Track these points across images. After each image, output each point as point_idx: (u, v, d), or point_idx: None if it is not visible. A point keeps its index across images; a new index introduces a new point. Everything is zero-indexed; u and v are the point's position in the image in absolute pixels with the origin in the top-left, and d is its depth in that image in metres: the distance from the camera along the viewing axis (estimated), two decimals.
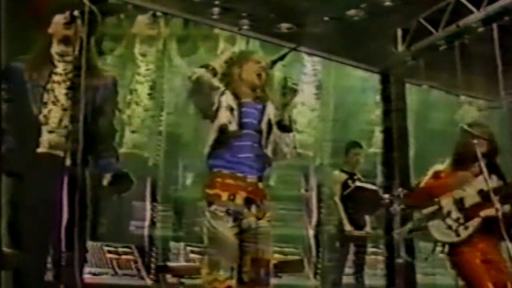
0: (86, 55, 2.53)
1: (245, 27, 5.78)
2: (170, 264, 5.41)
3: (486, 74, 5.79)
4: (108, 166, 2.91)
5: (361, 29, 5.63)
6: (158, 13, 6.09)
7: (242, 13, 5.62)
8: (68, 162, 2.34)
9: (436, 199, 4.00)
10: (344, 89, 7.32)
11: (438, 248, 4.03)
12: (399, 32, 6.08)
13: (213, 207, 3.06)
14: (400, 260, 5.77)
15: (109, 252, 5.26)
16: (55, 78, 2.91)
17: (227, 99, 3.17)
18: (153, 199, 5.95)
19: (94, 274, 5.01)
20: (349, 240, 5.89)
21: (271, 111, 3.26)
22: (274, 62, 3.35)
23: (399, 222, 5.14)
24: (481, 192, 3.89)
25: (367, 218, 5.97)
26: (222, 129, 3.10)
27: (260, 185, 3.17)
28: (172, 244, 5.80)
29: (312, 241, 6.70)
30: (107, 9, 5.41)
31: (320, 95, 7.14)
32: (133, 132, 6.13)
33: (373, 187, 6.10)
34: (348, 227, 5.78)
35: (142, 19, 6.23)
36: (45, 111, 2.85)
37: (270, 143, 3.21)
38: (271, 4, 5.47)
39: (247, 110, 3.19)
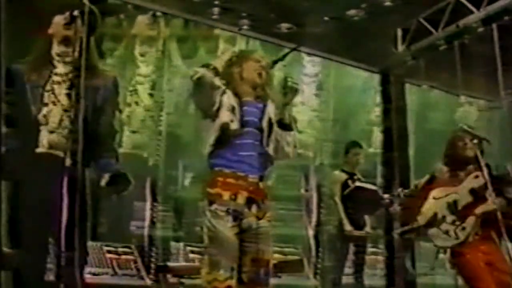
0: (86, 55, 2.53)
1: (245, 27, 5.77)
2: (170, 264, 5.41)
3: (486, 74, 5.79)
4: (107, 166, 2.91)
5: (361, 29, 5.63)
6: (158, 13, 6.09)
7: (242, 13, 5.62)
8: (68, 162, 2.34)
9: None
10: (344, 89, 7.32)
11: (440, 254, 4.05)
12: (399, 32, 6.08)
13: (214, 206, 3.06)
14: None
15: (109, 252, 5.26)
16: (56, 78, 2.91)
17: (228, 98, 3.17)
18: (153, 199, 5.95)
19: (94, 274, 5.01)
20: (349, 240, 5.89)
21: (271, 110, 3.26)
22: (274, 62, 3.35)
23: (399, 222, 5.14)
24: (472, 191, 3.91)
25: (367, 218, 5.97)
26: (224, 128, 3.10)
27: (261, 184, 3.16)
28: (172, 244, 5.81)
29: (312, 241, 6.70)
30: (107, 9, 5.41)
31: (320, 95, 7.14)
32: (133, 132, 6.13)
33: (373, 187, 6.10)
34: (348, 227, 5.78)
35: (142, 19, 6.24)
36: (45, 111, 2.85)
37: (272, 142, 3.21)
38: (271, 4, 5.47)
39: (248, 109, 3.20)
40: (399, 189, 5.13)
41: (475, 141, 3.91)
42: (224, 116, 3.12)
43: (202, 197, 3.12)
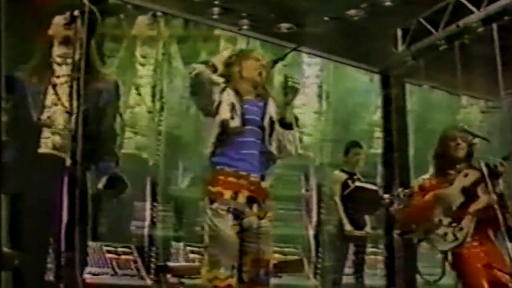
0: (87, 57, 2.53)
1: (245, 27, 5.78)
2: (170, 264, 5.41)
3: (486, 74, 5.79)
4: (107, 169, 2.91)
5: (361, 29, 5.64)
6: (158, 13, 6.09)
7: (242, 13, 5.62)
8: (68, 162, 2.34)
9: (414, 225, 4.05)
10: (345, 89, 7.32)
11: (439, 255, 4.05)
12: (399, 32, 6.08)
13: (214, 205, 3.06)
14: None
15: (109, 252, 5.26)
16: (58, 80, 2.91)
17: (228, 95, 3.17)
18: (153, 199, 5.94)
19: (94, 274, 5.00)
20: (349, 240, 5.90)
21: (272, 109, 3.26)
22: (275, 62, 3.35)
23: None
24: (463, 190, 3.90)
25: (367, 218, 5.97)
26: (224, 125, 3.10)
27: (263, 184, 3.17)
28: (172, 244, 5.80)
29: (312, 241, 6.69)
30: (107, 9, 5.41)
31: (320, 95, 7.14)
32: (135, 133, 6.13)
33: (373, 187, 6.10)
34: (348, 227, 5.78)
35: (142, 19, 6.23)
36: (49, 113, 2.85)
37: (274, 141, 3.22)
38: (271, 4, 5.47)
39: (249, 107, 3.20)
40: (399, 189, 5.13)
41: (475, 140, 3.91)
42: (224, 112, 3.12)
43: (203, 196, 3.12)
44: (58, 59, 2.94)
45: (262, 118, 3.22)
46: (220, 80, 3.19)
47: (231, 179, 3.09)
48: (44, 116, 2.85)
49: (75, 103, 2.35)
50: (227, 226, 3.04)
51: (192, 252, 5.64)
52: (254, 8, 5.53)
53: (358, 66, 6.73)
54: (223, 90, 3.17)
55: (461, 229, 3.87)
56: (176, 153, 6.30)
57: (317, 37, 5.70)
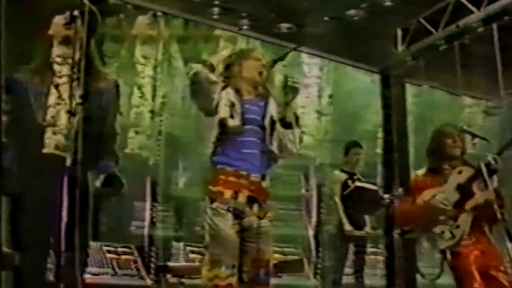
0: (88, 58, 2.53)
1: (245, 27, 5.77)
2: (170, 264, 5.41)
3: (486, 74, 5.79)
4: (106, 168, 2.92)
5: (361, 29, 5.63)
6: (158, 13, 6.09)
7: (242, 13, 5.61)
8: (68, 162, 2.34)
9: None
10: (345, 89, 7.32)
11: (437, 254, 4.05)
12: (399, 32, 6.07)
13: (215, 204, 3.06)
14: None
15: (109, 252, 5.26)
16: (59, 80, 2.91)
17: (228, 94, 3.17)
18: (153, 199, 5.94)
19: (94, 274, 5.00)
20: (349, 240, 5.90)
21: (273, 108, 3.26)
22: (275, 62, 3.35)
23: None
24: (458, 187, 3.90)
25: (367, 218, 5.97)
26: (223, 123, 3.10)
27: (264, 184, 3.17)
28: (172, 244, 5.80)
29: (312, 241, 6.69)
30: (107, 9, 5.41)
31: (320, 96, 7.14)
32: (136, 133, 6.13)
33: (373, 187, 6.10)
34: (348, 227, 5.78)
35: (142, 19, 6.24)
36: (52, 113, 2.86)
37: (275, 140, 3.22)
38: (271, 4, 5.47)
39: (249, 107, 3.20)
40: (399, 189, 5.14)
41: (475, 140, 3.91)
42: (223, 111, 3.12)
43: (204, 195, 3.12)
44: (58, 59, 2.94)
45: (263, 118, 3.22)
46: (219, 79, 3.20)
47: (231, 178, 3.10)
48: (48, 116, 2.85)
49: (75, 103, 2.36)
50: (227, 225, 3.05)
51: (192, 252, 5.64)
52: (254, 8, 5.52)
53: (358, 66, 6.72)
54: (223, 89, 3.17)
55: (457, 226, 3.87)
56: (176, 153, 6.30)
57: (317, 37, 5.70)
